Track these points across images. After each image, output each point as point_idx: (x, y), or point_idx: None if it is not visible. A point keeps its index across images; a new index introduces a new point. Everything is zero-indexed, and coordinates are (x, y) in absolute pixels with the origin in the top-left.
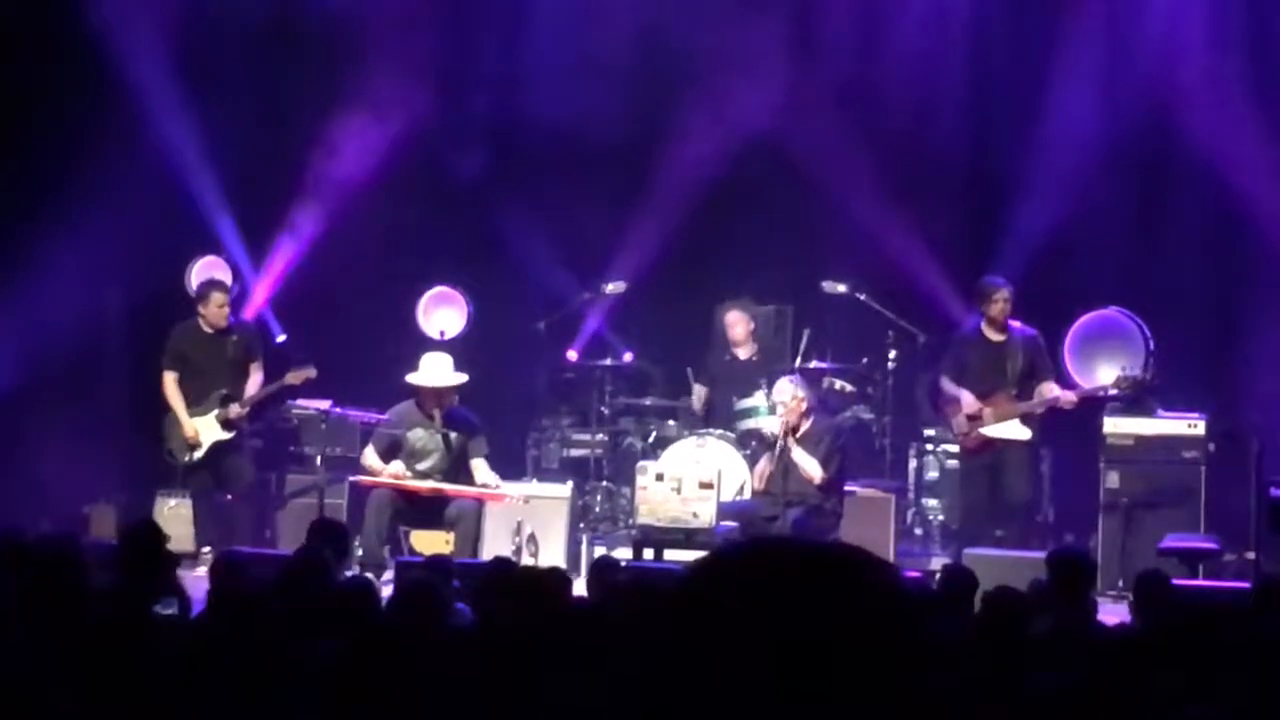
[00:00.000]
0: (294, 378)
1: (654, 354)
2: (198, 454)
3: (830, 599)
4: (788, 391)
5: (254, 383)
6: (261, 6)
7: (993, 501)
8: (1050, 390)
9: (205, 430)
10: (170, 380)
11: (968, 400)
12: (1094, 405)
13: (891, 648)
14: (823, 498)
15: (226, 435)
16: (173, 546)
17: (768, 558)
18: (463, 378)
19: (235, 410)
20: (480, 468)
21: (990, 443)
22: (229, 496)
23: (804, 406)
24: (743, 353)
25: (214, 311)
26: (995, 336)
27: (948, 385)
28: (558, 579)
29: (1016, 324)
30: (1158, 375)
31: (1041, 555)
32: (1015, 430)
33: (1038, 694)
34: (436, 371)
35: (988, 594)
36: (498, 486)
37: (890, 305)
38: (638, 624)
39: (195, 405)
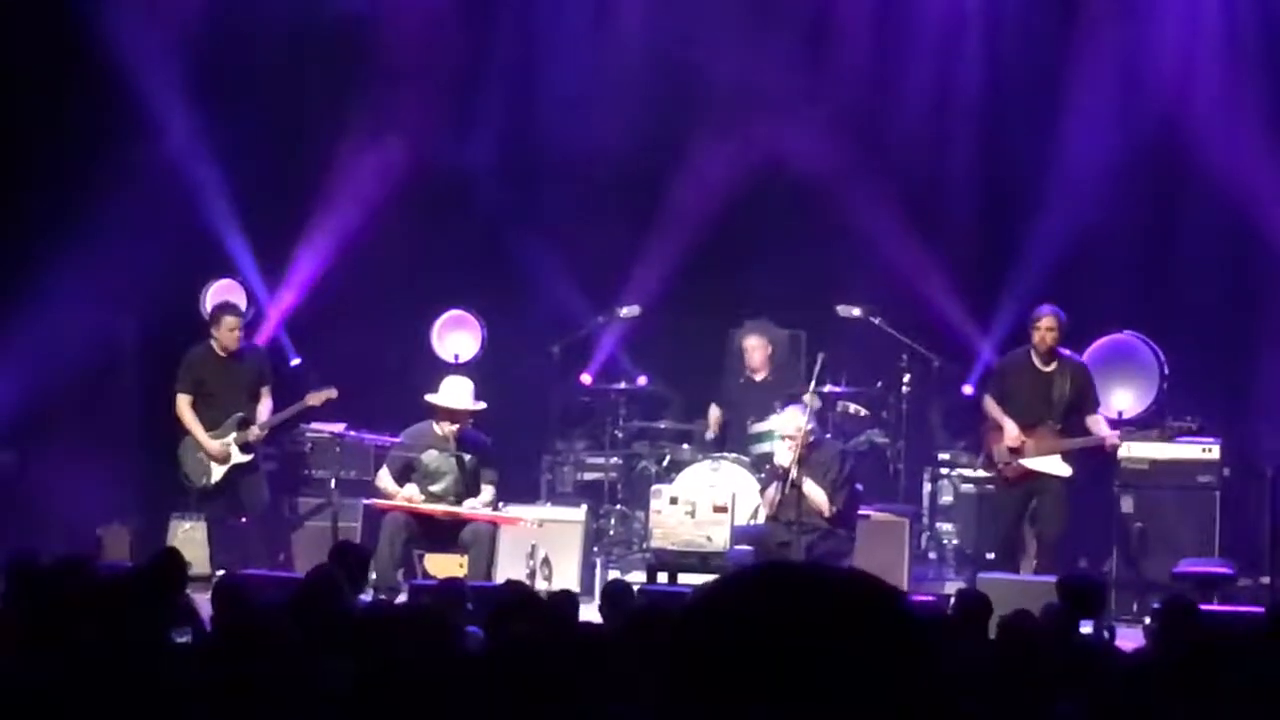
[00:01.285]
0: (314, 399)
1: (668, 378)
2: (214, 478)
3: (843, 628)
4: (794, 422)
5: (265, 407)
6: (276, 31)
7: (1024, 533)
8: (1098, 427)
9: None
10: (185, 403)
11: (1010, 431)
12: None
13: (905, 678)
14: (834, 525)
15: (244, 458)
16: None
17: (778, 586)
18: (481, 405)
19: (255, 433)
20: (486, 492)
21: (1029, 474)
22: (244, 520)
23: (810, 436)
24: (759, 376)
25: (226, 335)
26: (1042, 365)
27: (993, 409)
28: (566, 602)
29: (1067, 353)
30: (1199, 421)
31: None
32: (1056, 466)
33: None
34: (456, 395)
35: (1004, 619)
36: (498, 507)
37: (904, 329)
38: (649, 650)
39: (211, 429)
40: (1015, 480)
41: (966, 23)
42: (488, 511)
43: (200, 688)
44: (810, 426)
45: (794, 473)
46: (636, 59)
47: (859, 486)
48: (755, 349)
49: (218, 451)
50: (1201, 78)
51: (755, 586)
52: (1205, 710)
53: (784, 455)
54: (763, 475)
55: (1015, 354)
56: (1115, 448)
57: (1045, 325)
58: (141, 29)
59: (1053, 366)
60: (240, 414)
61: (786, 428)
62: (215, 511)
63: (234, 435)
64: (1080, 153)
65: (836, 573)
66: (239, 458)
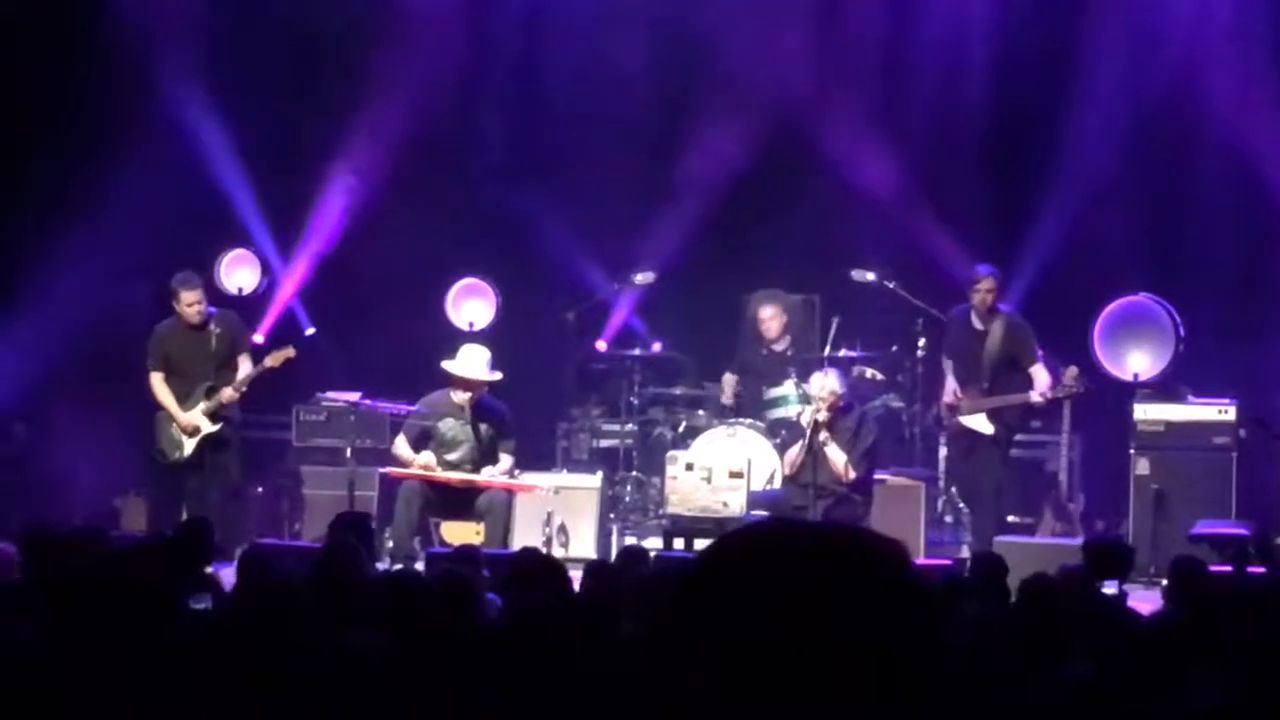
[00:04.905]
0: (273, 360)
1: (683, 344)
2: (186, 452)
3: (835, 589)
4: (819, 384)
5: (242, 373)
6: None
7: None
8: (1035, 381)
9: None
10: (157, 380)
11: (947, 388)
12: (1120, 393)
13: (896, 641)
14: (850, 490)
15: (213, 428)
16: None
17: (775, 546)
18: (497, 375)
19: (228, 394)
20: (504, 460)
21: (966, 431)
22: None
23: (839, 401)
24: (778, 346)
25: (185, 309)
26: (977, 324)
27: (945, 367)
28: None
29: (1007, 309)
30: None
31: (1073, 542)
32: (981, 424)
33: (1073, 681)
34: (473, 364)
35: (1023, 581)
36: (515, 475)
37: (919, 293)
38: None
39: (181, 403)
40: (955, 435)
41: None
42: (504, 479)
43: (221, 657)
44: (841, 391)
45: (821, 436)
46: (648, 24)
47: (876, 454)
48: (771, 319)
49: (186, 423)
50: (1214, 38)
51: (753, 544)
52: (1224, 669)
53: (808, 414)
54: (779, 441)
55: (957, 311)
56: (1040, 405)
57: (985, 287)
58: (155, 2)
59: (985, 327)
60: (208, 384)
61: (816, 389)
62: (195, 486)
63: (202, 405)
64: (1093, 114)
65: (835, 528)
66: (208, 427)
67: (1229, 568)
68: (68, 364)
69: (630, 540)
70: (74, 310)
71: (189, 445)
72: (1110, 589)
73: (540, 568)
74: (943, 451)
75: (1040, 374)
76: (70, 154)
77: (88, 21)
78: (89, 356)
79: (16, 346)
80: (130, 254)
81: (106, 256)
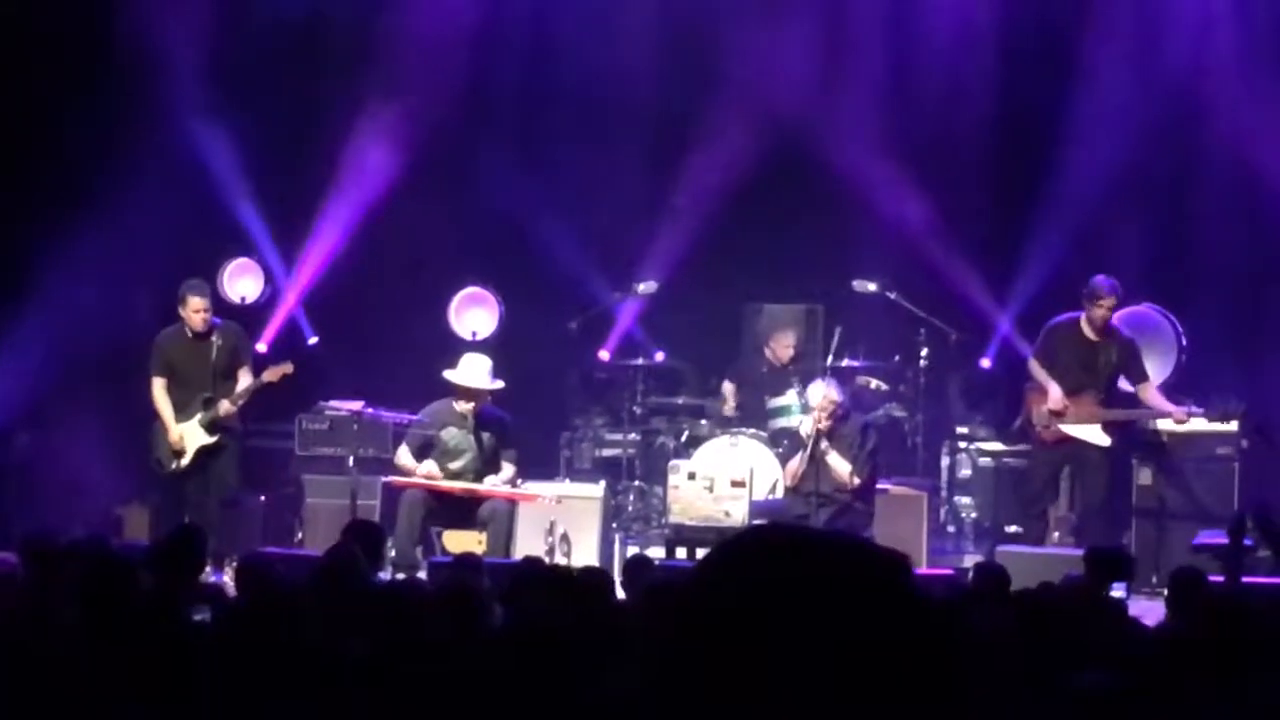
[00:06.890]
0: (271, 375)
1: (686, 353)
2: (184, 461)
3: (837, 595)
4: (821, 393)
5: (242, 386)
6: (290, 9)
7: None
8: (1159, 401)
9: (190, 436)
10: (158, 387)
11: (1054, 395)
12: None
13: (898, 651)
14: (853, 498)
15: (210, 440)
16: None
17: (775, 555)
18: (499, 384)
19: (225, 407)
20: (506, 469)
21: (1065, 440)
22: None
23: (839, 410)
24: (781, 364)
25: (191, 315)
26: (1092, 335)
27: (1038, 372)
28: (598, 578)
29: (1114, 323)
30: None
31: (1074, 552)
32: (1096, 435)
33: (1077, 692)
34: (474, 373)
35: (1024, 591)
36: (518, 484)
37: (921, 304)
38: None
39: (180, 412)
40: (1051, 444)
41: None
42: (506, 489)
43: (222, 666)
44: (840, 399)
45: (822, 444)
46: (652, 32)
47: (879, 460)
48: (788, 348)
49: (175, 441)
50: (1219, 45)
51: (753, 553)
52: (1229, 681)
53: (808, 424)
54: (781, 450)
55: (1065, 320)
56: (1183, 422)
57: (1108, 305)
58: (159, 10)
59: (1100, 338)
60: (207, 394)
61: (816, 398)
62: (195, 495)
63: (199, 416)
64: (1096, 125)
65: (836, 535)
66: (204, 439)
67: (1224, 539)
68: (71, 372)
69: (633, 549)
70: (78, 318)
71: (187, 454)
72: (1119, 591)
73: (543, 577)
74: (945, 461)
75: (1152, 391)
76: (76, 162)
77: (96, 35)
78: (92, 365)
79: (21, 354)
80: (134, 263)
81: (111, 265)
